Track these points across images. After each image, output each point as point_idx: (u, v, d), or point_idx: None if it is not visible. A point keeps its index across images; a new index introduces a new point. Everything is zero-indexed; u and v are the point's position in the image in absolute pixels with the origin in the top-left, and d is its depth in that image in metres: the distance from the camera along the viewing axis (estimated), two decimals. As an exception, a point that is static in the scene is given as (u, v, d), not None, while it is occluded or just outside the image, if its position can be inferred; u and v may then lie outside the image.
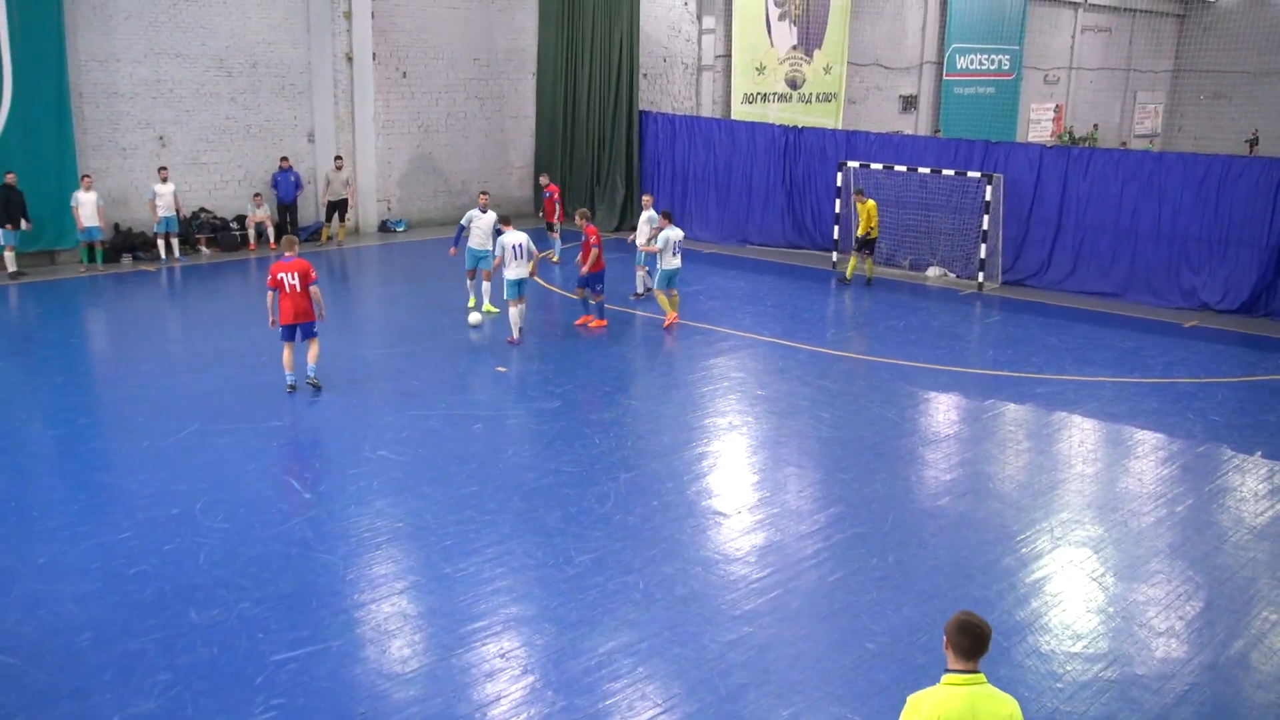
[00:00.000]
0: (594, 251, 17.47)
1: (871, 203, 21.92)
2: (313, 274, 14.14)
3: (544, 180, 24.96)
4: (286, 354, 14.35)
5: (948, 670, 5.35)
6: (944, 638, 5.46)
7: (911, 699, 5.34)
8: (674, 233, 17.93)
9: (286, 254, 14.24)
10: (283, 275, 13.90)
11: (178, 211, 22.74)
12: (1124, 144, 41.86)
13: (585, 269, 17.67)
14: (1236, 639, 9.02)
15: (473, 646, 8.58)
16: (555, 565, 9.93)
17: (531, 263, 16.93)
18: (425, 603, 9.29)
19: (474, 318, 17.91)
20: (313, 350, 14.48)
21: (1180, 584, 9.93)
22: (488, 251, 18.06)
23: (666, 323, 18.18)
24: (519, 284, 16.77)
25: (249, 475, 11.78)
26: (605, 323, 18.17)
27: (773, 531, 10.76)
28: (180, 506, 10.94)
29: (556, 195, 24.01)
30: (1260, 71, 44.63)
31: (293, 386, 14.39)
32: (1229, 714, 7.97)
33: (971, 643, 5.32)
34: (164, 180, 22.46)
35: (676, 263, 18.06)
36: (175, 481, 11.53)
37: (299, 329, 14.27)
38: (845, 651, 8.62)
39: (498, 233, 17.60)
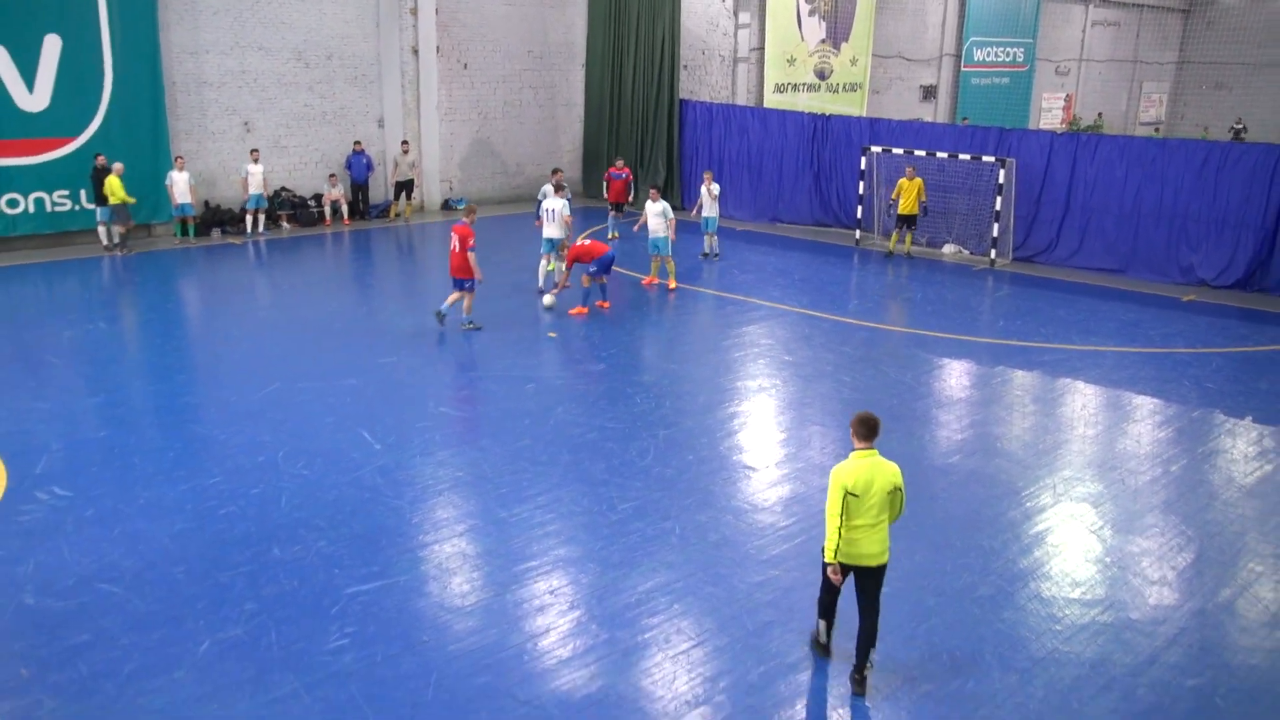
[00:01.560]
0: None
1: (919, 180, 21.57)
2: (470, 241, 15.24)
3: (620, 163, 24.00)
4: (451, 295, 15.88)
5: (854, 449, 7.20)
6: (850, 430, 7.26)
7: (834, 470, 7.12)
8: (653, 207, 18.77)
9: (463, 219, 15.48)
10: (452, 235, 15.35)
11: (264, 190, 23.00)
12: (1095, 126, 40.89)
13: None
14: (1224, 588, 8.95)
15: (525, 584, 8.67)
16: (600, 512, 10.00)
17: (559, 226, 17.79)
18: (482, 544, 9.39)
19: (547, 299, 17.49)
20: (463, 301, 15.75)
21: (1173, 537, 9.85)
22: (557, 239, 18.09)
23: (645, 281, 19.22)
24: (551, 242, 17.98)
25: (326, 428, 11.92)
26: (608, 304, 17.44)
27: (797, 484, 10.77)
28: (265, 455, 11.10)
29: (629, 177, 23.44)
30: (1260, 63, 43.68)
31: (440, 315, 15.87)
32: (1215, 656, 7.92)
33: (868, 429, 7.23)
34: (255, 161, 22.75)
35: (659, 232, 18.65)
36: (260, 433, 11.70)
37: (453, 281, 15.66)
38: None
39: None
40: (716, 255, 21.82)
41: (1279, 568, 9.32)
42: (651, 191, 19.45)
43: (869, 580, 7.14)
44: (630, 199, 23.57)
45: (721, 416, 12.78)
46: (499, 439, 11.75)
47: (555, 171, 19.98)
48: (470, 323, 15.87)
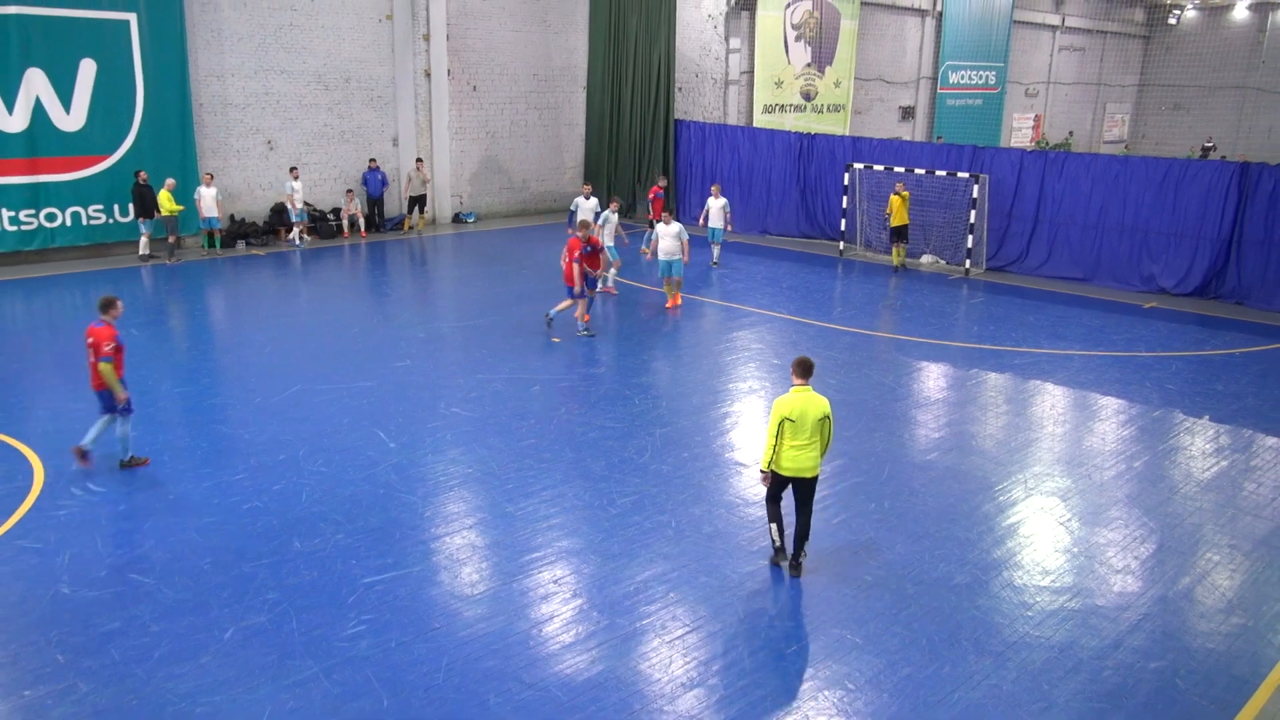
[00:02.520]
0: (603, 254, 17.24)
1: (906, 194, 21.48)
2: (575, 252, 15.39)
3: (662, 181, 23.73)
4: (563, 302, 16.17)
5: (793, 385, 8.36)
6: (791, 370, 8.42)
7: (775, 401, 8.30)
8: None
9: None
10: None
11: (290, 205, 23.23)
12: (1049, 144, 40.71)
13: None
14: (1184, 576, 8.94)
15: (530, 573, 8.65)
16: (600, 506, 9.98)
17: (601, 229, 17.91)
18: (490, 536, 9.37)
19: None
20: (575, 308, 16.09)
21: (1136, 529, 9.84)
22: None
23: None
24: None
25: (343, 427, 11.90)
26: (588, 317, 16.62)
27: (785, 480, 10.74)
28: (286, 453, 11.08)
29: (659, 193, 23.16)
30: (1214, 85, 43.78)
31: (548, 318, 16.20)
32: (1176, 640, 7.91)
33: (804, 370, 8.39)
34: (295, 178, 22.87)
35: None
36: (282, 432, 11.67)
37: (566, 290, 15.92)
38: (846, 583, 8.62)
39: (596, 215, 19.13)
40: (715, 263, 21.85)
41: (1235, 557, 9.31)
42: (664, 215, 18.26)
43: (804, 489, 8.50)
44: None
45: (715, 416, 12.76)
46: (506, 438, 11.72)
47: (586, 184, 20.42)
48: (585, 329, 15.95)
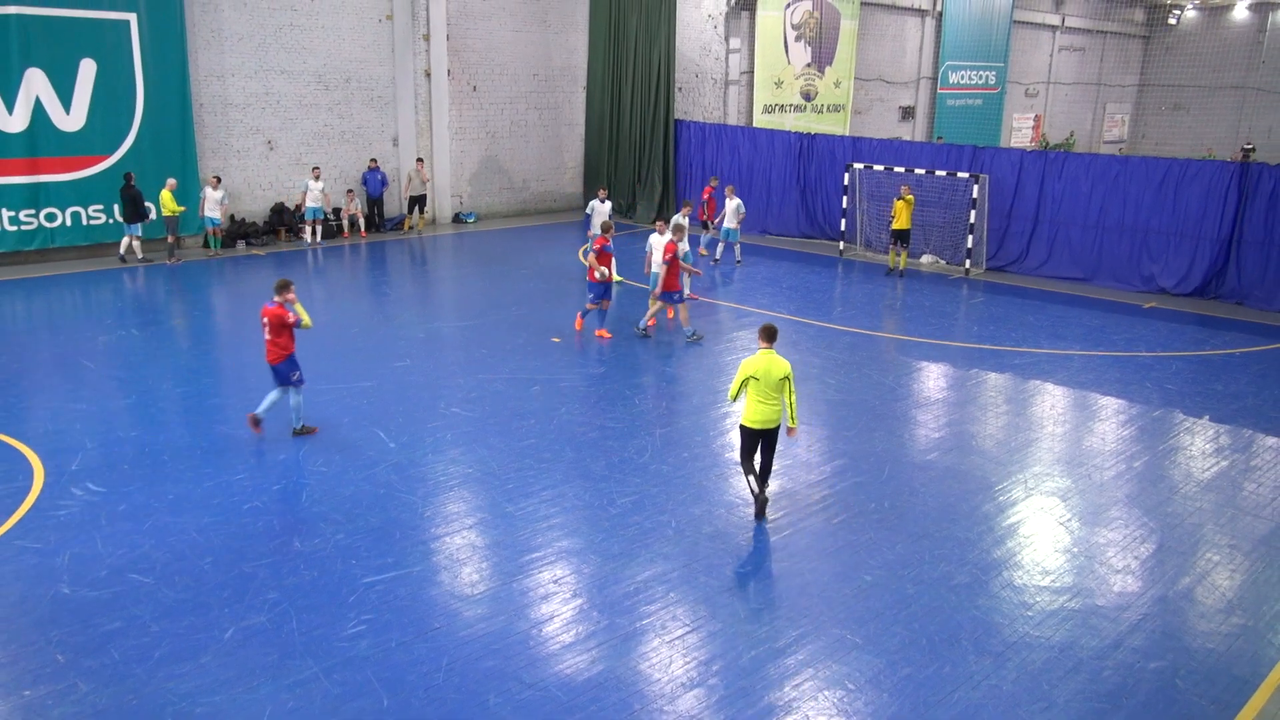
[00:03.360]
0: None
1: (911, 197, 21.19)
2: (668, 255, 15.22)
3: (714, 182, 23.44)
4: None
5: (759, 348, 9.59)
6: (758, 335, 9.72)
7: (742, 361, 9.64)
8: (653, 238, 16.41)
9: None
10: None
11: (297, 205, 23.41)
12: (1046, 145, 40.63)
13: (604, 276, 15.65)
14: (1184, 576, 8.94)
15: (530, 573, 8.65)
16: (600, 506, 9.97)
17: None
18: (490, 536, 9.37)
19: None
20: (679, 313, 16.20)
21: (1136, 529, 9.84)
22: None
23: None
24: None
25: (344, 427, 11.90)
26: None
27: (785, 479, 10.75)
28: (286, 453, 11.08)
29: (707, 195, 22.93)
30: (1214, 85, 43.77)
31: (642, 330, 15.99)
32: (1176, 640, 7.91)
33: (768, 335, 9.64)
34: (316, 178, 22.97)
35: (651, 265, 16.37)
36: (282, 432, 11.67)
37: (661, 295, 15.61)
38: (846, 582, 8.62)
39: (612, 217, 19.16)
40: (739, 261, 22.02)
41: (1235, 557, 9.31)
42: (658, 224, 16.47)
43: (769, 439, 9.66)
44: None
45: (714, 416, 12.76)
46: (506, 437, 11.72)
47: (602, 188, 20.47)
48: (693, 334, 15.90)
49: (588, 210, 20.82)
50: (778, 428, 9.66)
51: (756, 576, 8.67)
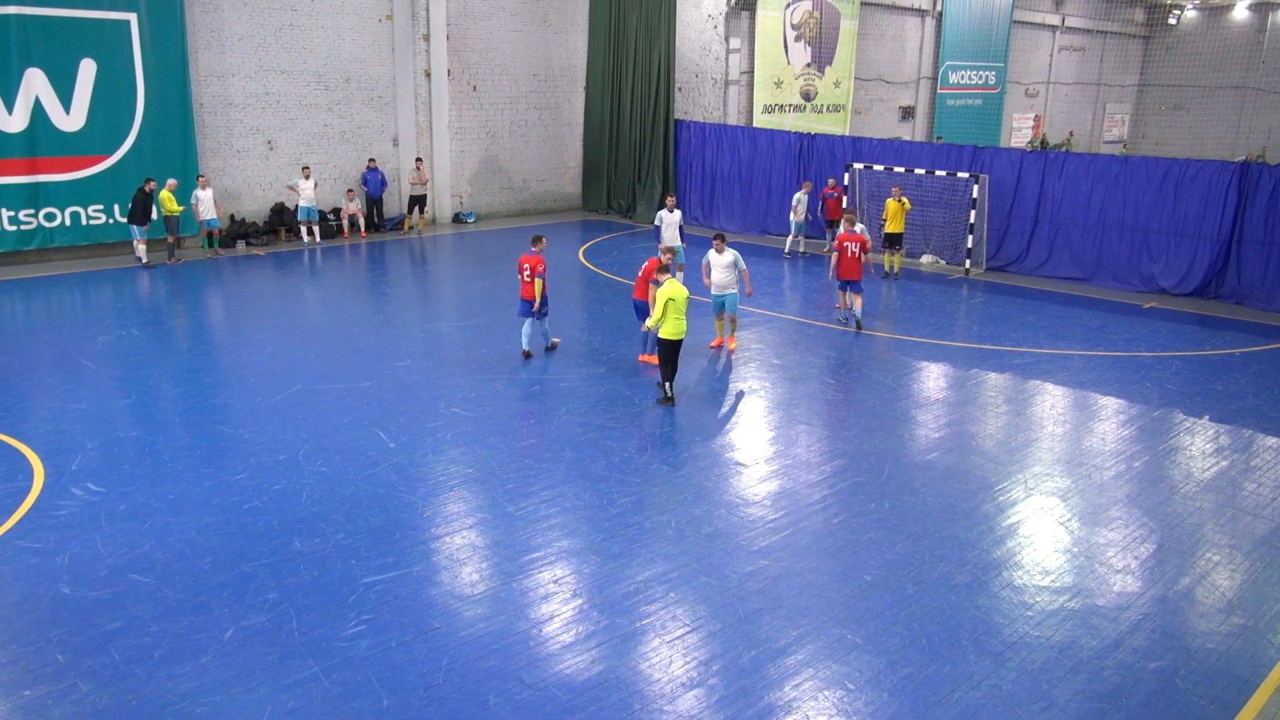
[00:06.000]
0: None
1: (905, 200, 21.05)
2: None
3: (831, 182, 23.38)
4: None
5: (669, 280, 12.66)
6: (668, 268, 13.03)
7: (661, 289, 12.55)
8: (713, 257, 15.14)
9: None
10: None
11: (296, 205, 23.38)
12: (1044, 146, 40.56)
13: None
14: (1184, 576, 8.94)
15: (530, 573, 8.65)
16: (600, 506, 9.97)
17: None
18: (490, 536, 9.37)
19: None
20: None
21: (1136, 529, 9.84)
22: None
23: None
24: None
25: (344, 427, 11.90)
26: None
27: (786, 480, 10.75)
28: (286, 453, 11.08)
29: (841, 194, 22.60)
30: (1214, 85, 43.78)
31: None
32: (1176, 640, 7.91)
33: (669, 260, 13.46)
34: (306, 177, 22.97)
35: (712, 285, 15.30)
36: (282, 432, 11.67)
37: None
38: (846, 582, 8.62)
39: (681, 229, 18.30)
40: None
41: (1235, 557, 9.31)
42: (715, 241, 15.01)
43: (680, 346, 12.78)
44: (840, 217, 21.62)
45: (715, 416, 12.76)
46: (506, 438, 11.72)
47: (669, 197, 19.08)
48: (852, 318, 16.79)
49: (655, 221, 18.63)
50: (683, 337, 12.78)
51: (756, 577, 8.67)
